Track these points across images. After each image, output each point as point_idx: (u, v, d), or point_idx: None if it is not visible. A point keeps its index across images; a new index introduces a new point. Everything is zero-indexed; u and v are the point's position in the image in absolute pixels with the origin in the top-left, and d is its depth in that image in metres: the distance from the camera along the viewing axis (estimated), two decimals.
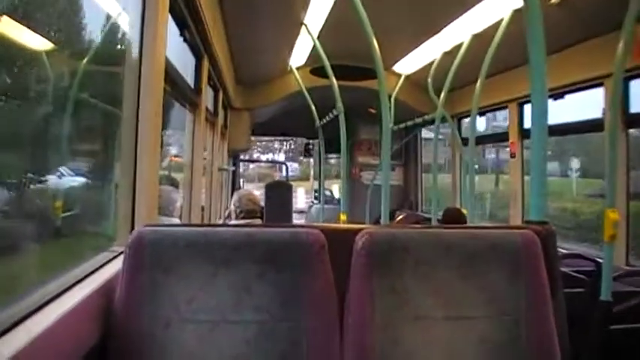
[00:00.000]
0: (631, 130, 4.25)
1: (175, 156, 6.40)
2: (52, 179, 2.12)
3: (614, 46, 3.06)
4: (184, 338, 1.63)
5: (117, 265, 1.75)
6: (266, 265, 1.67)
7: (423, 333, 1.68)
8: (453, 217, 4.70)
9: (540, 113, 2.07)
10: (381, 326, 1.67)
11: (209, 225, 2.27)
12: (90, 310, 1.55)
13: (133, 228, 2.06)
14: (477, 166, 6.61)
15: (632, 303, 3.06)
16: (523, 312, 1.70)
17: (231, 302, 1.66)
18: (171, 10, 2.74)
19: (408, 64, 6.99)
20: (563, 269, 3.37)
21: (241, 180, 11.30)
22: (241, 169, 12.05)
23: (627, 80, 4.02)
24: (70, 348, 1.38)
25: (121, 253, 1.70)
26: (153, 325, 1.62)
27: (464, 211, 4.99)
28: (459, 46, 5.22)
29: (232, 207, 4.11)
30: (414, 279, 1.70)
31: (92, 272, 1.76)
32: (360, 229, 1.77)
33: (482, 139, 6.84)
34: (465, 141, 6.07)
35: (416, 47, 6.21)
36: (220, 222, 5.92)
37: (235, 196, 4.18)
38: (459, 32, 5.17)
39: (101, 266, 1.84)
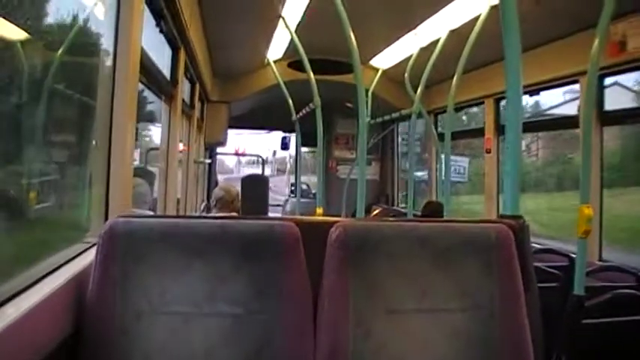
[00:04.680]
0: None
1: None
2: None
3: (590, 44, 3.08)
4: (156, 330, 1.61)
5: (90, 256, 1.72)
6: (240, 258, 1.66)
7: (396, 326, 1.68)
8: (433, 210, 4.75)
9: (515, 109, 2.07)
10: (355, 319, 1.66)
11: (183, 216, 2.25)
12: (62, 302, 1.52)
13: (106, 219, 2.03)
14: None
15: (604, 297, 3.09)
16: (496, 305, 1.71)
17: (205, 294, 1.64)
18: (147, 1, 2.71)
19: (385, 59, 6.99)
20: (537, 264, 3.41)
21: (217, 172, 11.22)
22: None
23: (602, 78, 4.07)
24: (41, 339, 1.36)
25: (95, 244, 1.67)
26: (125, 317, 1.60)
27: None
28: (436, 41, 5.22)
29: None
30: (388, 272, 1.70)
31: (65, 263, 1.73)
32: (335, 222, 1.76)
33: (459, 135, 6.86)
34: (441, 136, 6.09)
35: (393, 42, 6.20)
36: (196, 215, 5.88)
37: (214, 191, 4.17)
38: (436, 28, 5.18)
39: (74, 257, 1.81)
